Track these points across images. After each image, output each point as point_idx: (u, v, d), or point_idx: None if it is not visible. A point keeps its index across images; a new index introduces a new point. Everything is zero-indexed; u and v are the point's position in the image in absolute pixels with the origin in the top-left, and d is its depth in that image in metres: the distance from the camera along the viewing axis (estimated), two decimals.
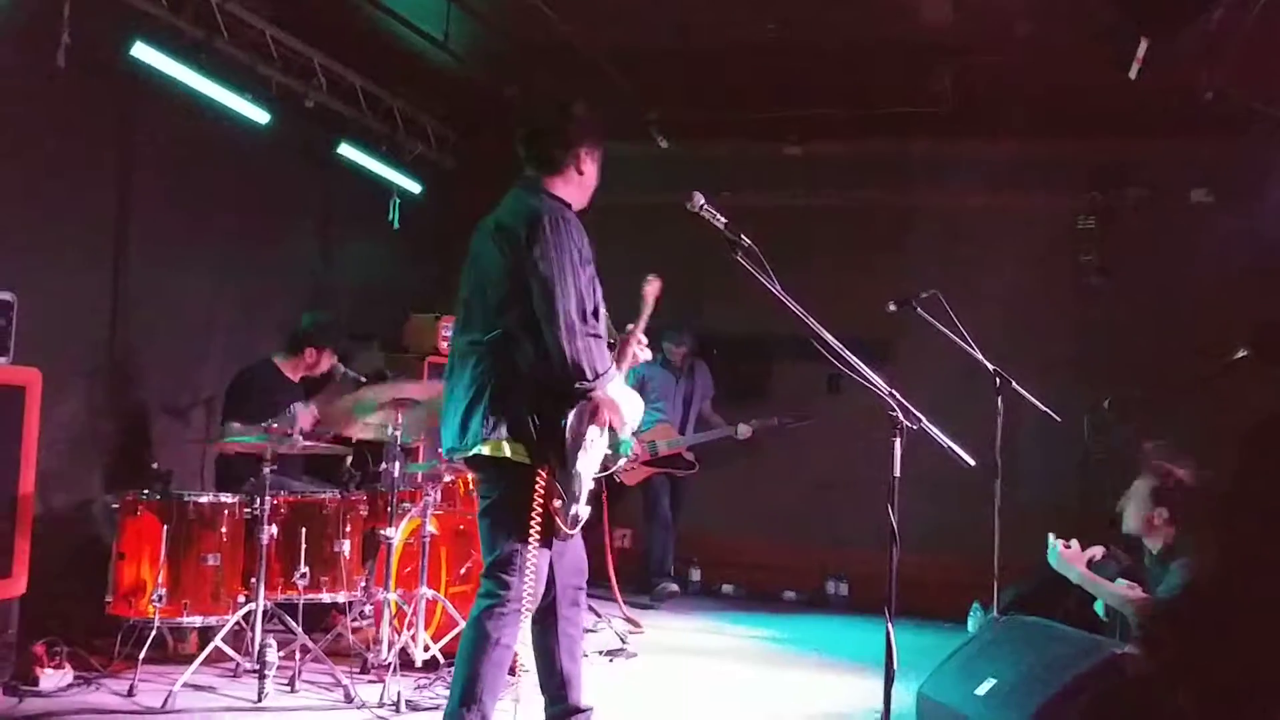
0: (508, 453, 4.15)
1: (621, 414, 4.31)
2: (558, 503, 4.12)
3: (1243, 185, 8.38)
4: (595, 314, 4.29)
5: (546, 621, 4.43)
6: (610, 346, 4.46)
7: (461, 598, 6.05)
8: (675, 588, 8.80)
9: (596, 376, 4.15)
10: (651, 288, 4.82)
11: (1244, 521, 2.42)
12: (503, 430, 4.15)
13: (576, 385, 4.13)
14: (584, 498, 4.25)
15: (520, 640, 4.27)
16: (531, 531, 4.11)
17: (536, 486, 4.11)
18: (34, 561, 5.48)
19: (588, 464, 4.23)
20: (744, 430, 8.85)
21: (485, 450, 4.18)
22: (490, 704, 4.20)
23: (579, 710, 4.50)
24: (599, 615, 7.06)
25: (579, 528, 4.30)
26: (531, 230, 4.20)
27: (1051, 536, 5.25)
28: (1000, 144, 9.00)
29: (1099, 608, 5.29)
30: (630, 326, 4.65)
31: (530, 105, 4.50)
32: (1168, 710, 2.32)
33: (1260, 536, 2.43)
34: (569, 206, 4.40)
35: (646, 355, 4.74)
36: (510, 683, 5.19)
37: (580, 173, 4.47)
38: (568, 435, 4.14)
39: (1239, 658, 2.22)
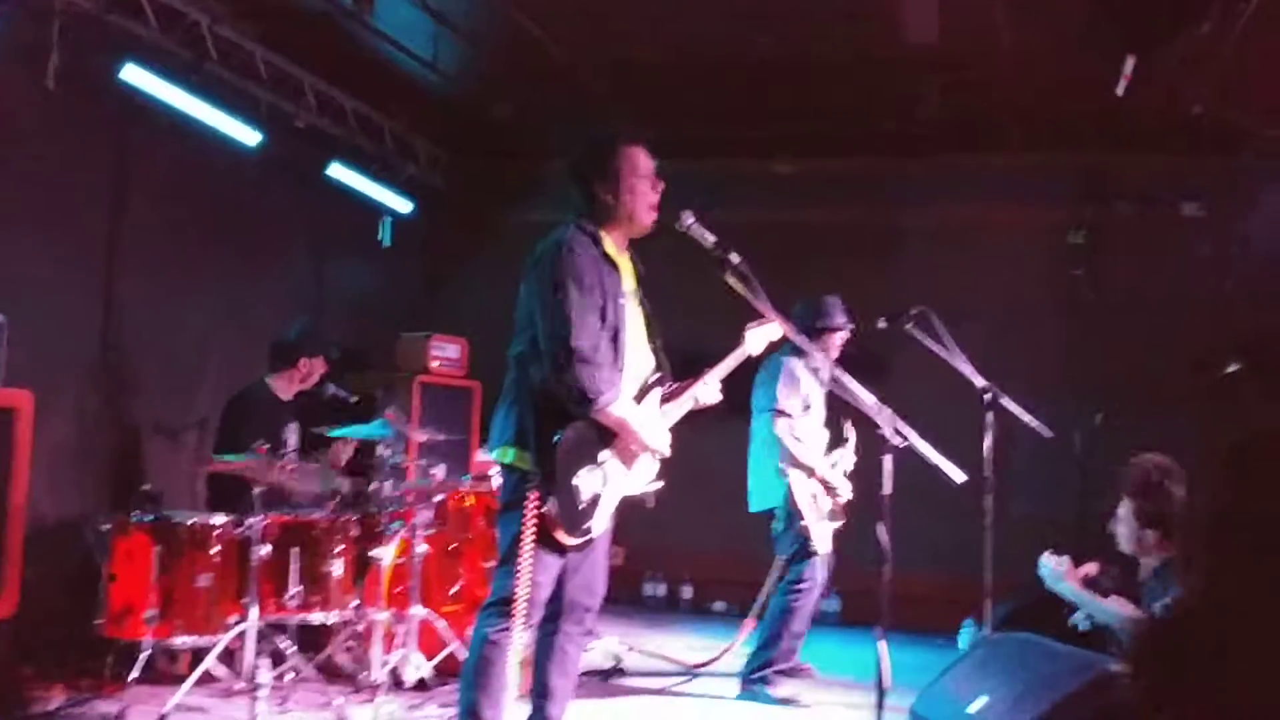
0: (512, 459, 4.33)
1: (639, 439, 4.39)
2: (550, 512, 4.20)
3: (1233, 198, 8.41)
4: (615, 340, 4.38)
5: (547, 631, 4.53)
6: (659, 381, 4.61)
7: (453, 617, 6.05)
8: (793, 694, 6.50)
9: (588, 400, 4.21)
10: (758, 333, 4.97)
11: (1233, 542, 2.40)
12: (511, 437, 4.33)
13: (571, 407, 4.24)
14: (592, 514, 4.34)
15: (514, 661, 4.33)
16: (524, 536, 4.20)
17: (529, 494, 4.22)
18: (25, 583, 5.47)
19: (592, 481, 4.33)
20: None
21: (496, 455, 4.41)
22: (483, 701, 4.27)
23: None
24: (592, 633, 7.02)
25: (583, 540, 4.37)
26: (539, 257, 4.39)
27: (1045, 555, 5.24)
28: (989, 159, 9.05)
29: (1079, 620, 5.28)
30: (707, 370, 4.79)
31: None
32: None
33: (1250, 558, 2.41)
34: (594, 239, 4.44)
35: (713, 398, 4.77)
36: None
37: (606, 203, 4.50)
38: (561, 449, 4.23)
39: (1227, 680, 2.21)
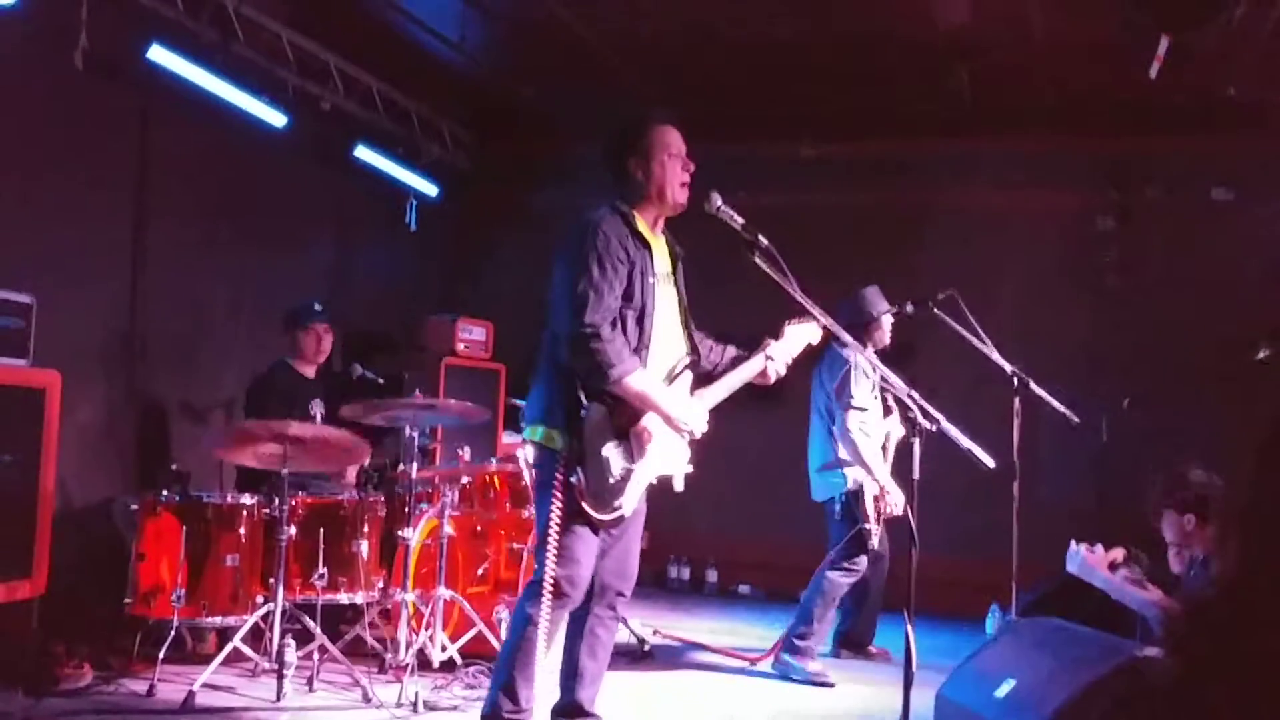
0: (540, 438, 4.35)
1: (664, 412, 4.36)
2: (578, 484, 4.20)
3: (1264, 183, 8.34)
4: (640, 320, 4.37)
5: (578, 614, 4.53)
6: (691, 365, 4.58)
7: (479, 598, 6.06)
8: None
9: (603, 373, 4.19)
10: (797, 333, 4.86)
11: (1265, 526, 2.37)
12: (541, 415, 4.36)
13: (590, 383, 4.22)
14: (623, 490, 4.33)
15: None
16: (553, 514, 4.21)
17: (557, 472, 4.23)
18: (54, 562, 5.51)
19: (622, 456, 4.31)
20: None
21: (527, 433, 4.46)
22: (519, 679, 4.29)
23: (584, 712, 4.57)
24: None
25: (614, 517, 4.34)
26: (566, 236, 4.39)
27: (1073, 542, 5.21)
28: (1018, 143, 8.97)
29: None
30: (768, 342, 4.79)
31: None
32: (1196, 713, 2.28)
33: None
34: (626, 217, 4.43)
35: (777, 370, 4.76)
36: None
37: (637, 180, 4.49)
38: (587, 426, 4.22)
39: (1275, 657, 2.19)
